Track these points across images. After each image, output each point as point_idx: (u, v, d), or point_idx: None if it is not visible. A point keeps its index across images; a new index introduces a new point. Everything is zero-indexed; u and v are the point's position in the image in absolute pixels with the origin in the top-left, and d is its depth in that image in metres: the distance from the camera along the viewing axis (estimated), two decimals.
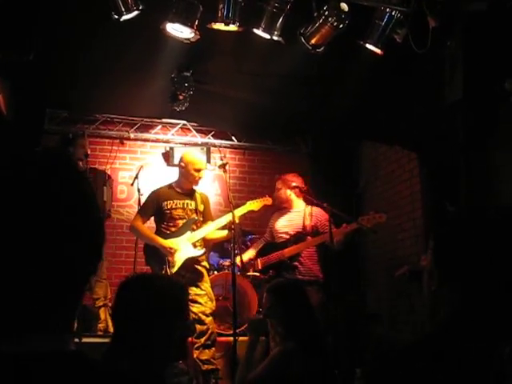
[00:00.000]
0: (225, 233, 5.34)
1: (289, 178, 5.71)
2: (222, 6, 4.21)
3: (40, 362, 0.83)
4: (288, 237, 5.53)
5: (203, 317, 5.07)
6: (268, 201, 5.65)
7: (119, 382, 0.91)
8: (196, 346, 5.06)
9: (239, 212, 5.34)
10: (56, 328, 0.87)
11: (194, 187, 5.43)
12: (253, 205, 5.54)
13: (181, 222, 5.25)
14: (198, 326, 5.06)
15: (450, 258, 1.46)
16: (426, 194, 5.85)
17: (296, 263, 5.41)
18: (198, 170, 5.38)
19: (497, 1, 4.27)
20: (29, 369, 0.81)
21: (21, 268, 0.84)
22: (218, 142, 7.55)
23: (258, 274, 5.72)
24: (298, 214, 5.60)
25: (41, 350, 0.84)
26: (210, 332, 5.10)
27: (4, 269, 0.83)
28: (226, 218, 5.27)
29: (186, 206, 5.30)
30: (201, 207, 5.36)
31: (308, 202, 5.64)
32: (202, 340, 5.07)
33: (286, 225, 5.62)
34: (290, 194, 5.66)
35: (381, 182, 7.06)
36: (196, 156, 5.62)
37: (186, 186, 5.38)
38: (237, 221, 5.08)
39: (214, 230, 5.34)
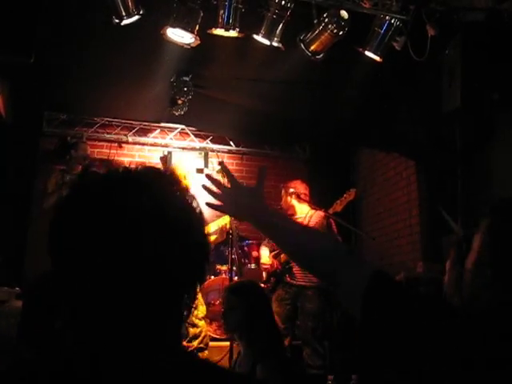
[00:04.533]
0: (212, 238, 5.43)
1: (289, 184, 5.77)
2: (222, 11, 4.22)
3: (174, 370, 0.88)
4: None
5: (196, 320, 5.09)
6: None
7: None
8: (189, 350, 5.07)
9: (227, 218, 5.39)
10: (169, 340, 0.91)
11: None
12: None
13: None
14: (191, 330, 5.08)
15: None
16: (423, 201, 5.87)
17: (295, 268, 5.43)
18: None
19: (494, 11, 4.30)
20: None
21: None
22: (216, 146, 7.56)
23: (262, 284, 5.74)
24: (301, 219, 5.63)
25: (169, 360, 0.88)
26: (203, 335, 5.11)
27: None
28: (217, 224, 5.35)
29: None
30: None
31: (312, 207, 5.68)
32: (195, 343, 5.07)
33: None
34: (291, 201, 5.71)
35: (377, 189, 7.08)
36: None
37: None
38: (227, 226, 5.17)
39: None
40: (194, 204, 0.98)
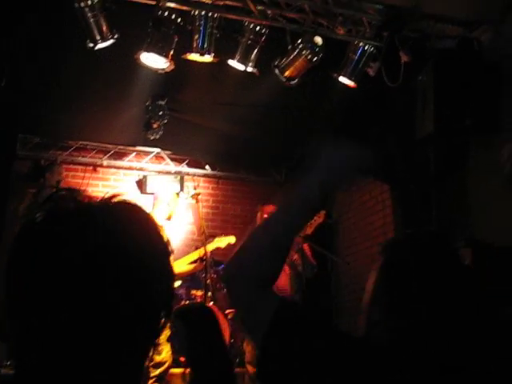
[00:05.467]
0: (191, 266, 5.40)
1: (265, 208, 5.76)
2: (197, 36, 4.24)
3: None
4: None
5: (166, 349, 4.99)
6: (232, 239, 5.76)
7: None
8: (152, 375, 4.97)
9: (208, 248, 5.41)
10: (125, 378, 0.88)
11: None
12: (219, 241, 5.64)
13: None
14: (157, 357, 4.98)
15: (406, 285, 1.35)
16: (399, 225, 5.89)
17: None
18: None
19: (465, 39, 4.39)
20: None
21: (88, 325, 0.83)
22: (191, 170, 7.53)
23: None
24: None
25: None
26: (167, 366, 5.04)
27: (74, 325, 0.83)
28: (198, 253, 5.35)
29: None
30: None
31: None
32: (157, 372, 4.99)
33: None
34: None
35: (353, 213, 7.10)
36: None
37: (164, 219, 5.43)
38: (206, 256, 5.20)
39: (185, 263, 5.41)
40: (162, 236, 0.95)
